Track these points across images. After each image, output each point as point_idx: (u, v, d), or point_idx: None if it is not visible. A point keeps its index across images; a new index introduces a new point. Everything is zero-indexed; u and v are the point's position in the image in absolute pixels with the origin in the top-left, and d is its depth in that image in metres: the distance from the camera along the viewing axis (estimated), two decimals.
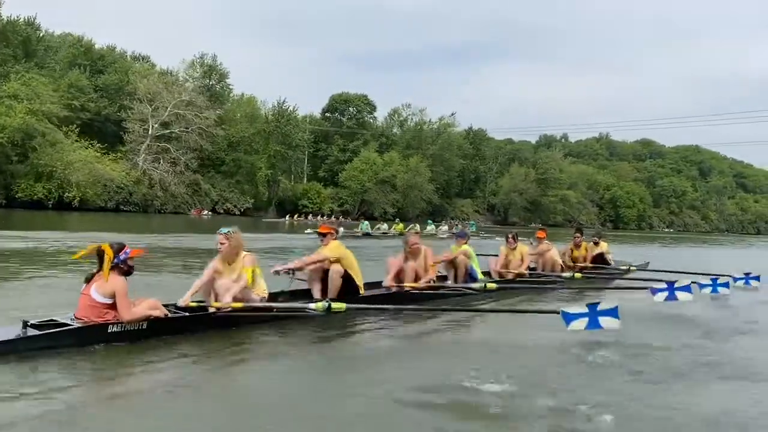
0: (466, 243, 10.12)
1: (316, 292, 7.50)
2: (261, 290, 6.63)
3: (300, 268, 7.61)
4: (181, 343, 5.54)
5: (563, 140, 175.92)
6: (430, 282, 8.64)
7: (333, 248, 7.64)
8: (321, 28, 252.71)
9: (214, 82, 69.40)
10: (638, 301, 8.42)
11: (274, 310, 6.49)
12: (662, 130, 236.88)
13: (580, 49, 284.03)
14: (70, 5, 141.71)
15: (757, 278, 10.68)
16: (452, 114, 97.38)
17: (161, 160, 58.12)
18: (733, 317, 8.52)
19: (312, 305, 6.33)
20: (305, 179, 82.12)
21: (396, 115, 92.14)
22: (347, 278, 7.50)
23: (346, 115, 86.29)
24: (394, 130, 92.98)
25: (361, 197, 78.32)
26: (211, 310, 6.21)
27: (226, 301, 6.15)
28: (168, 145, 58.82)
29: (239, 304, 6.17)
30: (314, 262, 7.59)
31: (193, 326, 5.98)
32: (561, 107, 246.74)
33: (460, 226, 47.97)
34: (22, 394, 4.04)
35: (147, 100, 58.17)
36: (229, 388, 4.63)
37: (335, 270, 7.41)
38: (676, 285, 8.01)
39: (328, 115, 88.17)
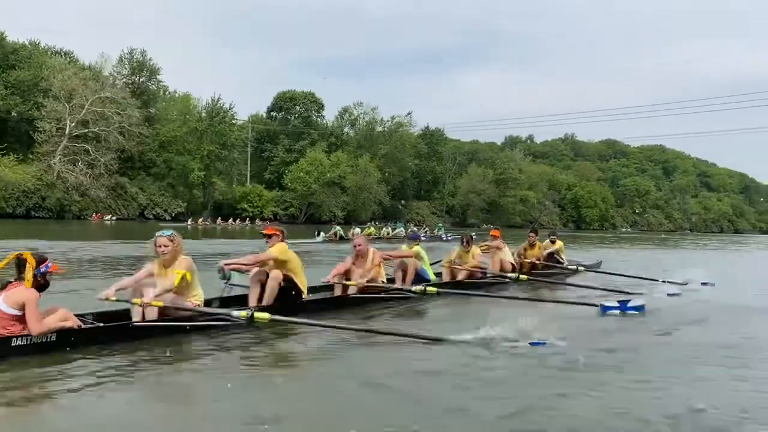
0: (417, 245, 10.41)
1: (253, 299, 7.26)
2: (197, 297, 6.36)
3: (241, 268, 7.46)
4: (93, 357, 5.10)
5: (529, 141, 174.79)
6: (371, 283, 8.50)
7: (281, 250, 7.48)
8: (291, 32, 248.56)
9: (144, 79, 65.16)
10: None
11: (194, 317, 6.13)
12: (628, 131, 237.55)
13: (550, 53, 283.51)
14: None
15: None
16: (408, 114, 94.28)
17: (79, 162, 53.68)
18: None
19: (235, 313, 6.05)
20: (248, 181, 77.89)
21: (347, 114, 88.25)
22: (290, 283, 7.41)
23: (293, 113, 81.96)
24: (345, 130, 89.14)
25: (308, 200, 74.27)
26: (137, 314, 6.02)
27: (147, 300, 5.91)
28: (87, 146, 54.39)
29: (159, 303, 5.92)
30: (259, 261, 7.46)
31: (108, 338, 5.56)
32: (530, 111, 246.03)
33: (427, 229, 45.72)
34: None
35: (64, 98, 53.83)
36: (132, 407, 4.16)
37: (273, 276, 7.23)
38: (629, 304, 7.99)
39: (273, 114, 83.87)
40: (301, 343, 6.17)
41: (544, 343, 5.78)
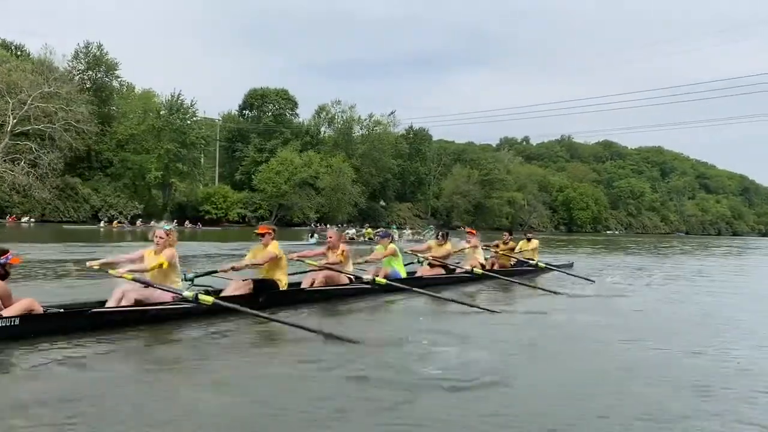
0: (391, 242, 10.98)
1: (230, 290, 7.77)
2: (175, 285, 6.93)
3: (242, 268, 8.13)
4: (54, 342, 5.42)
5: (524, 143, 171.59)
6: (330, 266, 9.18)
7: (276, 247, 8.30)
8: (288, 36, 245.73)
9: (101, 75, 61.92)
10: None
11: (152, 305, 6.61)
12: (625, 131, 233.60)
13: (548, 56, 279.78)
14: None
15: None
16: (391, 113, 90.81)
17: (21, 162, 50.43)
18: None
19: (186, 293, 6.56)
20: (216, 182, 74.61)
21: (324, 113, 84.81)
22: (269, 278, 8.15)
23: (264, 111, 78.41)
24: (322, 129, 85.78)
25: (278, 201, 70.86)
26: (114, 299, 6.51)
27: (122, 272, 6.48)
28: (30, 144, 51.14)
29: (128, 275, 6.46)
30: (267, 261, 8.16)
31: (69, 324, 5.88)
32: (528, 114, 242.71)
33: (425, 232, 44.94)
34: None
35: (6, 92, 50.65)
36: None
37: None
38: None
39: (245, 112, 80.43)
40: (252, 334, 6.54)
41: None
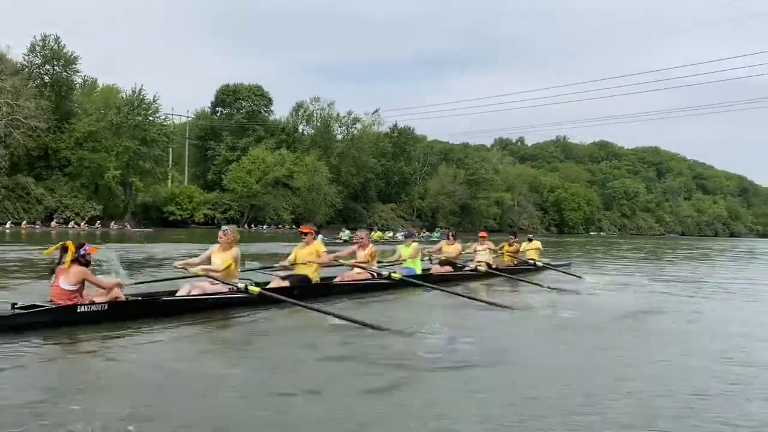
0: (414, 242, 12.11)
1: (276, 283, 8.91)
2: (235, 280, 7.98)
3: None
4: (135, 323, 6.57)
5: (519, 143, 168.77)
6: (362, 264, 10.31)
7: (317, 247, 9.35)
8: (292, 36, 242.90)
9: (59, 69, 58.82)
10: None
11: (212, 295, 7.75)
12: (622, 133, 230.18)
13: (548, 57, 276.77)
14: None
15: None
16: (375, 111, 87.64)
17: None
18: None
19: (239, 285, 7.75)
20: (186, 182, 71.53)
21: (302, 110, 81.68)
22: (308, 272, 9.14)
23: (238, 108, 75.22)
24: (301, 127, 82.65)
25: (250, 202, 67.77)
26: (184, 292, 7.66)
27: (197, 269, 7.77)
28: None
29: (203, 272, 7.70)
30: (310, 262, 9.25)
31: (146, 310, 7.07)
32: (525, 114, 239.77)
33: (427, 233, 45.17)
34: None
35: None
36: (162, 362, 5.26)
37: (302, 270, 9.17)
38: None
39: (218, 109, 77.36)
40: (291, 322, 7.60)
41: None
